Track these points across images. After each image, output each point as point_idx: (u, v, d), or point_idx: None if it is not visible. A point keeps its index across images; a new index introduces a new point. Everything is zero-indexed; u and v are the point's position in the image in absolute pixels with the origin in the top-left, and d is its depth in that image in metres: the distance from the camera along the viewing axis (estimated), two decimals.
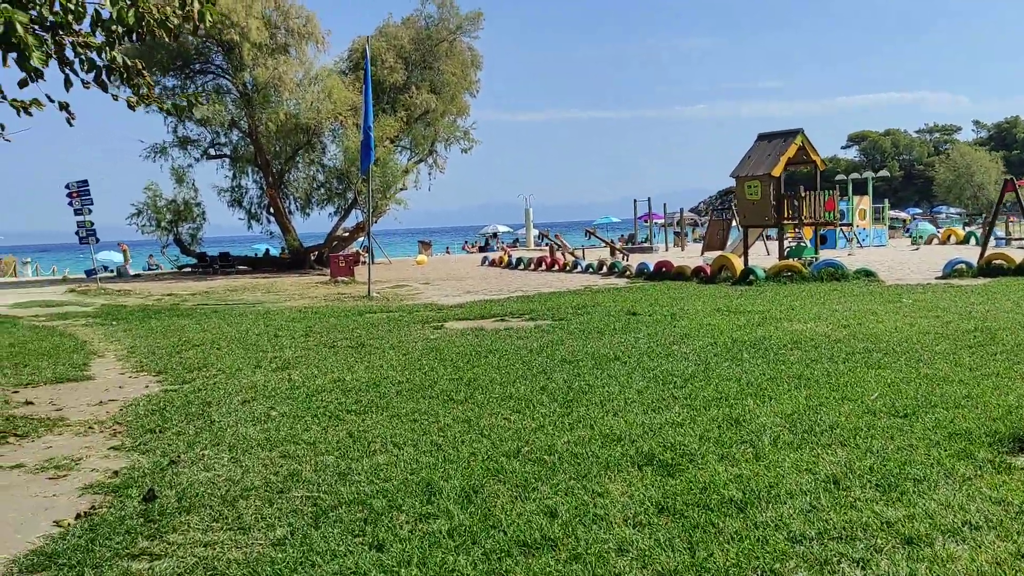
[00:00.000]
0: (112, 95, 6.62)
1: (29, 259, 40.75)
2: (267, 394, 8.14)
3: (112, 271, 26.08)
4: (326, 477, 5.25)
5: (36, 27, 5.81)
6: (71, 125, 6.62)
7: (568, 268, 26.92)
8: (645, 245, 36.31)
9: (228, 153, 34.00)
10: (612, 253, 31.92)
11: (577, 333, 11.60)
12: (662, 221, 51.00)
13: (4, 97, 6.05)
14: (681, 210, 60.80)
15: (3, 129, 6.21)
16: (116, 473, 5.66)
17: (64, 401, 8.47)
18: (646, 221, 48.37)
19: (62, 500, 5.19)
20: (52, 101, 6.16)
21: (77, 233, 24.45)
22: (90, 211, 24.15)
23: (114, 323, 16.07)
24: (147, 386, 9.17)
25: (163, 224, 32.73)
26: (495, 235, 57.64)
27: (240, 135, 32.81)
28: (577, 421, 6.38)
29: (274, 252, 38.84)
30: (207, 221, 33.97)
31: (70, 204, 24.13)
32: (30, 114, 6.00)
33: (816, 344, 9.49)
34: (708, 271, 20.78)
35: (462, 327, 13.51)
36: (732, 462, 5.10)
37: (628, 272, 23.53)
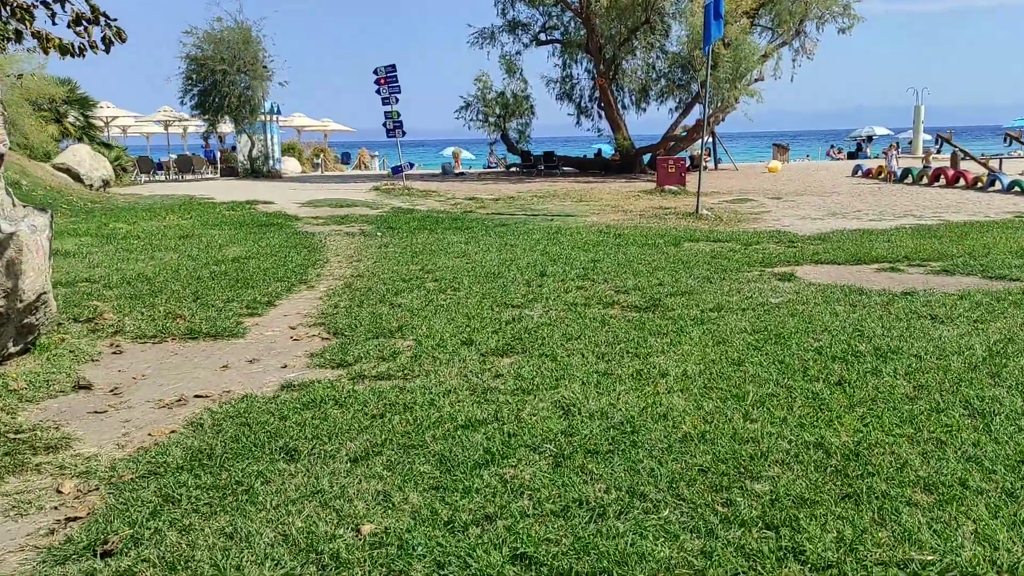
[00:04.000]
0: None
1: (377, 153, 41.37)
2: (409, 438, 4.14)
3: (407, 166, 24.19)
4: None
5: None
6: None
7: (980, 186, 19.61)
8: None
9: (559, 37, 30.34)
10: None
11: None
12: None
13: None
14: None
15: None
16: None
17: (92, 423, 5.20)
18: None
19: None
20: None
21: (384, 125, 22.50)
22: (397, 100, 21.96)
23: (379, 234, 13.25)
24: (285, 365, 5.69)
25: (491, 119, 30.30)
26: (870, 139, 48.39)
27: (571, 16, 28.88)
28: None
29: (608, 153, 35.03)
30: (535, 117, 30.97)
31: (377, 92, 22.12)
32: None
33: None
34: None
35: (826, 280, 8.45)
36: None
37: None
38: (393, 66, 21.95)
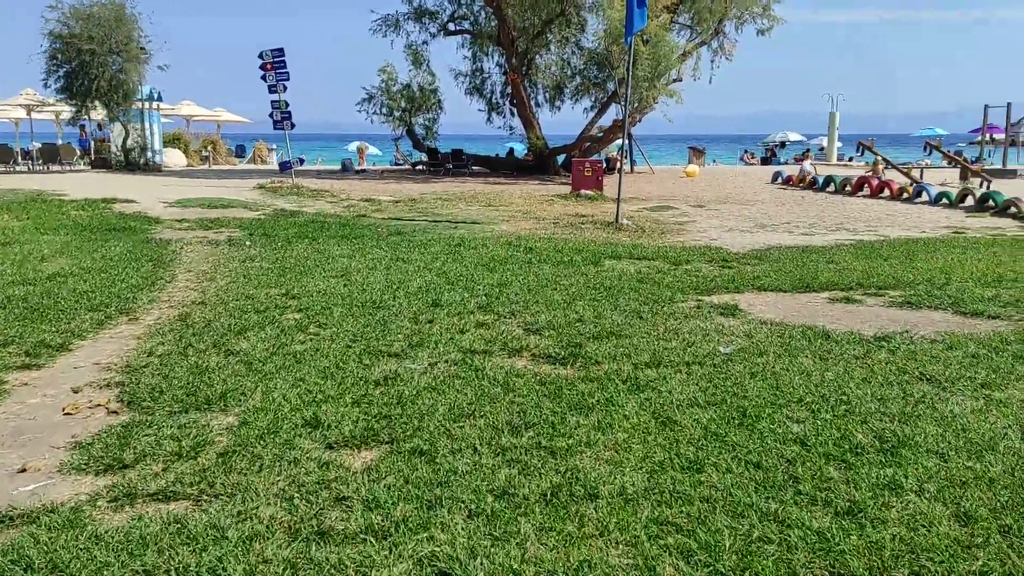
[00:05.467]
0: None
1: (275, 147, 38.60)
2: None
3: (295, 163, 21.49)
4: None
5: None
6: None
7: (906, 196, 18.78)
8: (1007, 168, 26.26)
9: (469, 28, 28.47)
10: (964, 176, 22.86)
11: None
12: (1002, 137, 39.15)
13: None
14: (1018, 119, 47.04)
15: None
16: None
17: None
18: (982, 135, 37.03)
19: None
20: None
21: (271, 115, 20.17)
22: (285, 88, 19.70)
23: (248, 243, 11.23)
24: (24, 468, 3.76)
25: (396, 113, 28.22)
26: (783, 144, 48.24)
27: (482, 5, 27.08)
28: None
29: (521, 152, 33.34)
30: (444, 112, 29.03)
31: (263, 79, 19.77)
32: None
33: None
34: None
35: (777, 315, 6.96)
36: None
37: (1016, 211, 15.22)
38: (281, 50, 19.66)
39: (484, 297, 7.60)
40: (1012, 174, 26.00)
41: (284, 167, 21.78)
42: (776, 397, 4.68)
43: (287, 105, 19.93)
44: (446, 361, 5.50)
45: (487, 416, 4.41)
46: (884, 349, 5.79)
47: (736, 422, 4.29)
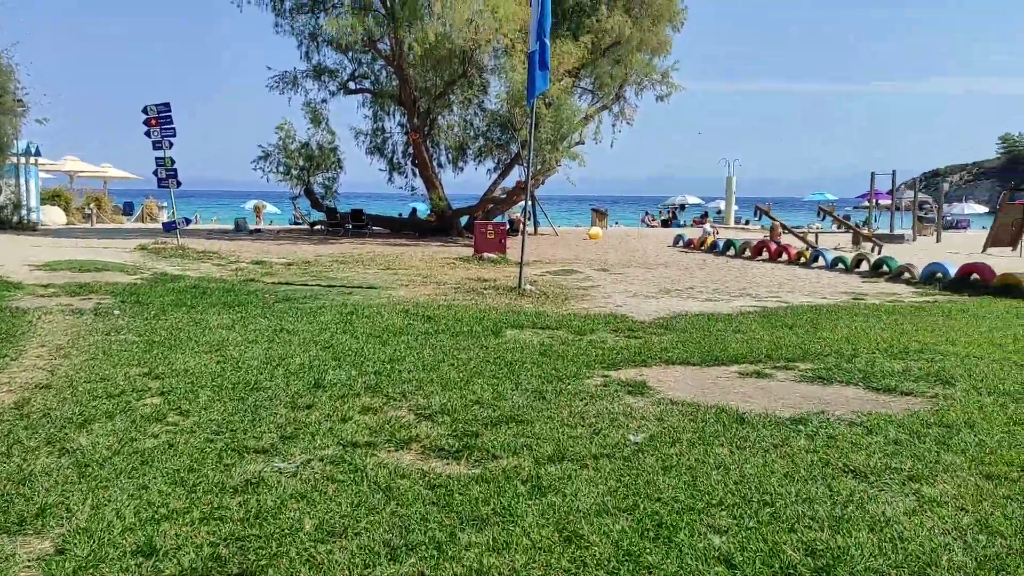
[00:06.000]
0: None
1: (166, 204, 36.95)
2: None
3: (181, 222, 19.98)
4: None
5: None
6: None
7: (803, 261, 19.07)
8: (895, 234, 27.30)
9: (370, 87, 28.03)
10: (856, 241, 23.55)
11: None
12: (888, 202, 41.03)
13: None
14: (898, 185, 49.48)
15: None
16: None
17: None
18: (869, 200, 38.71)
19: None
20: None
21: (155, 173, 19.04)
22: (171, 144, 18.65)
23: (117, 312, 10.22)
24: None
25: (294, 172, 27.36)
26: (683, 207, 49.37)
27: (383, 64, 26.73)
28: None
29: (424, 212, 32.87)
30: (344, 171, 28.34)
31: (147, 135, 18.69)
32: None
33: None
34: None
35: (687, 393, 6.50)
36: None
37: (909, 276, 15.53)
38: (167, 105, 18.66)
39: (373, 376, 6.91)
40: (900, 239, 27.04)
41: (168, 227, 20.54)
42: (694, 499, 4.16)
43: (173, 162, 18.86)
44: (322, 459, 4.79)
45: (363, 534, 3.72)
46: (803, 434, 5.38)
47: (651, 534, 3.73)
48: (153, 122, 18.60)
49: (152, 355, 7.61)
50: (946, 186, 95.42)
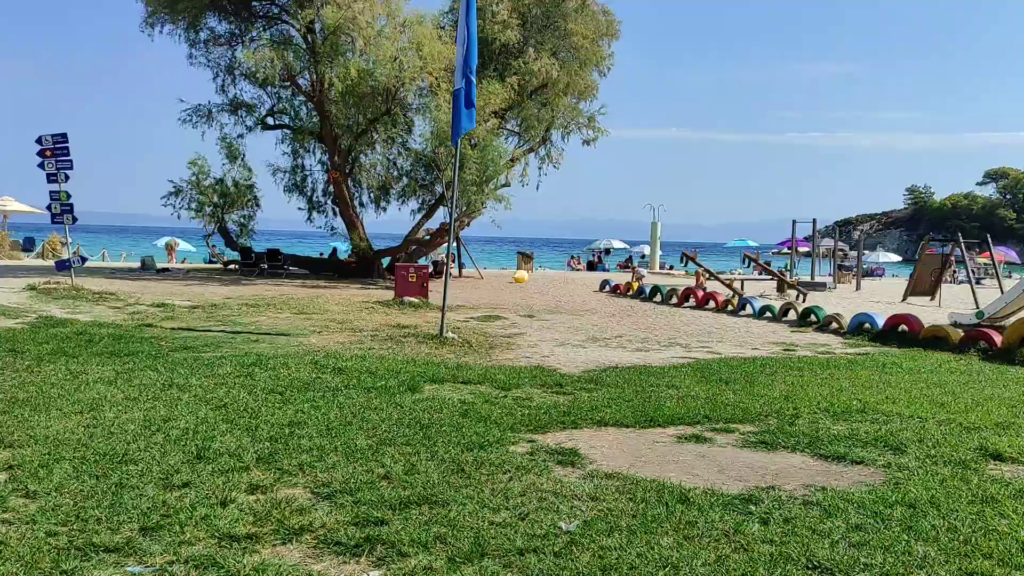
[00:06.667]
0: None
1: (69, 240, 34.91)
2: None
3: (77, 261, 18.25)
4: None
5: None
6: None
7: (731, 309, 18.81)
8: (817, 281, 27.58)
9: (289, 123, 27.07)
10: (781, 288, 23.56)
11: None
12: (806, 249, 41.83)
13: None
14: (817, 232, 50.75)
15: None
16: None
17: None
18: (788, 247, 39.38)
19: None
20: None
21: (49, 208, 17.64)
22: (67, 177, 17.31)
23: None
24: None
25: (207, 209, 26.10)
26: (607, 251, 49.40)
27: (303, 100, 25.86)
28: None
29: (345, 252, 31.80)
30: (260, 209, 27.23)
31: (41, 167, 17.31)
32: None
33: None
34: (995, 339, 12.58)
35: (624, 464, 5.81)
36: None
37: (837, 327, 15.34)
38: (64, 135, 17.34)
39: (268, 443, 6.03)
40: (822, 286, 27.27)
41: (61, 266, 19.06)
42: None
43: (68, 196, 17.49)
44: (187, 560, 3.91)
45: None
46: (755, 518, 4.73)
47: None
48: (48, 153, 17.22)
49: (10, 418, 6.56)
50: (856, 234, 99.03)
